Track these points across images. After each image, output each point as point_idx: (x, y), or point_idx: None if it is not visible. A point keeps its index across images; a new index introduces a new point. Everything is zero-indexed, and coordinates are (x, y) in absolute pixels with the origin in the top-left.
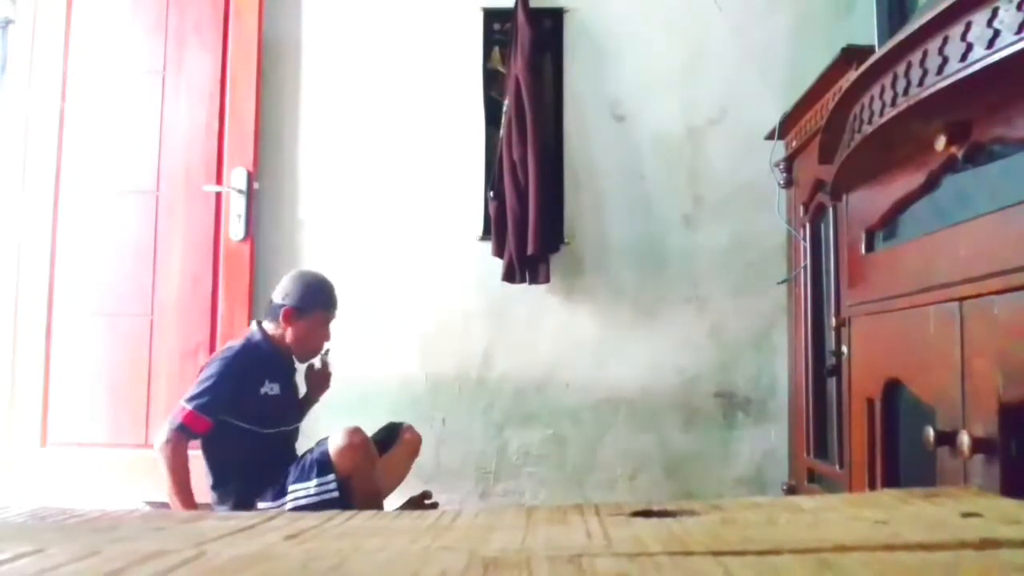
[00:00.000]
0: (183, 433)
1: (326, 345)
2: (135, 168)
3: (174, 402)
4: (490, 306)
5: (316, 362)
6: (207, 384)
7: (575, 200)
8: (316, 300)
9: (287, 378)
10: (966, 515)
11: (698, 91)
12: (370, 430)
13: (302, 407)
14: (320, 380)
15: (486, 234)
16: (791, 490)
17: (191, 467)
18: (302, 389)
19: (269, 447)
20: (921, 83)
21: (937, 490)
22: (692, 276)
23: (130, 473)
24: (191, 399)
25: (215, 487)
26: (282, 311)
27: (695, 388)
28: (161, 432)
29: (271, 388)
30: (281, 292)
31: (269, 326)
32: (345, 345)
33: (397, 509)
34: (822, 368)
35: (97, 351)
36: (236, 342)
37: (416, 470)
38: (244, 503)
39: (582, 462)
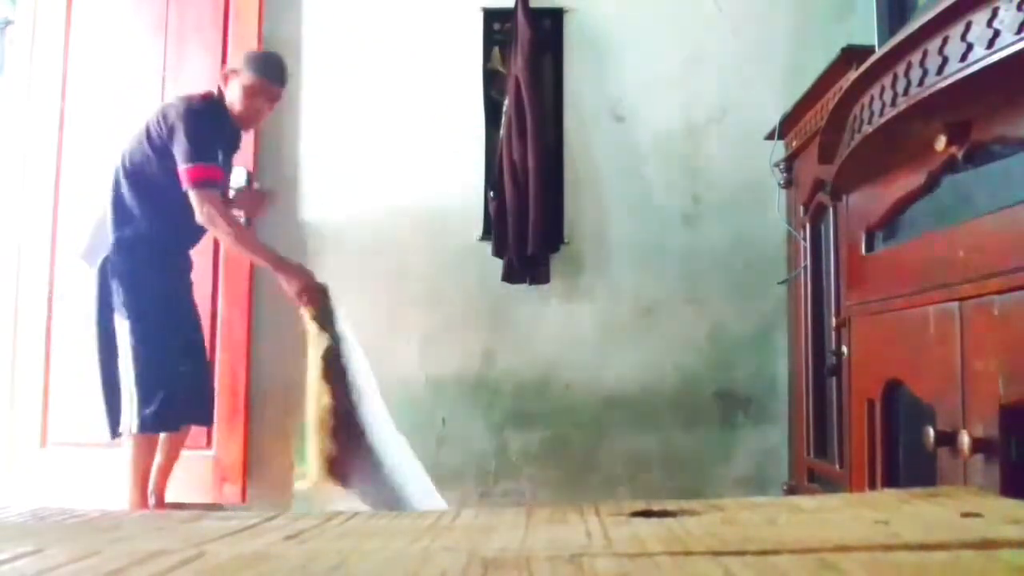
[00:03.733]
0: (207, 188)
1: (244, 173)
2: None
3: None
4: (490, 306)
5: (241, 181)
6: (192, 141)
7: (575, 200)
8: (252, 63)
9: (231, 146)
10: (966, 515)
11: (698, 91)
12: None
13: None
14: (251, 201)
15: (486, 234)
16: (791, 490)
17: None
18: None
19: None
20: (921, 83)
21: (937, 490)
22: (692, 276)
23: None
24: (188, 159)
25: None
26: (222, 72)
27: (695, 388)
28: (195, 209)
29: (221, 150)
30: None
31: (223, 87)
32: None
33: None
34: (822, 368)
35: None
36: (195, 97)
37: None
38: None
39: (582, 462)
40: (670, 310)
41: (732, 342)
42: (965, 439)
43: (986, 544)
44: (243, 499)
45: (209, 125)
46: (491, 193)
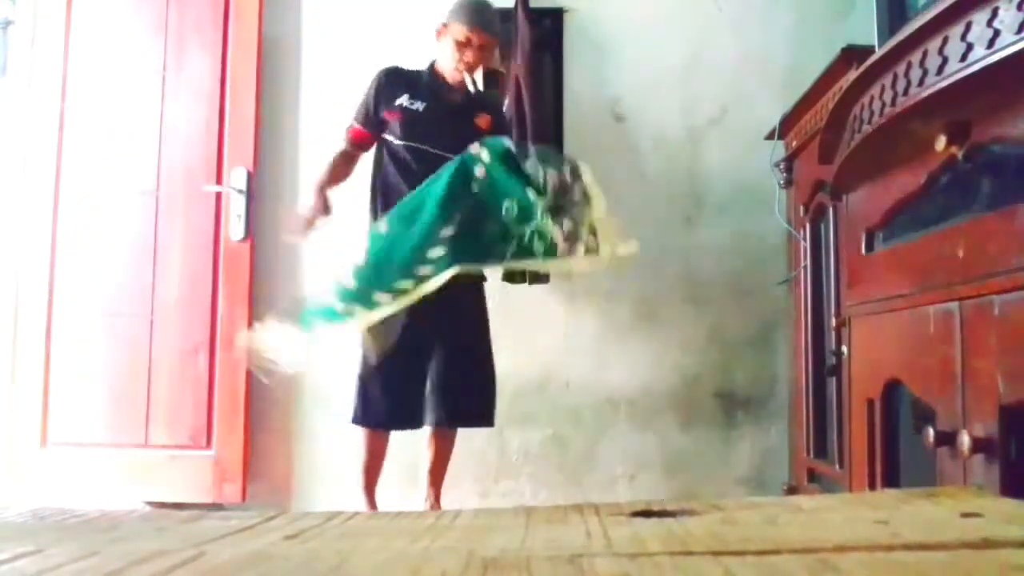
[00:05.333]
0: (345, 143)
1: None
2: (135, 168)
3: (174, 402)
4: (490, 306)
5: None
6: (358, 103)
7: None
8: (456, 12)
9: (441, 103)
10: (966, 515)
11: (698, 91)
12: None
13: (468, 140)
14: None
15: None
16: (791, 490)
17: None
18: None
19: (408, 162)
20: (921, 83)
21: (937, 490)
22: (692, 276)
23: (130, 473)
24: (352, 119)
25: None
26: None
27: (695, 388)
28: None
29: (411, 103)
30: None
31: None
32: (345, 345)
33: None
34: (822, 368)
35: (97, 351)
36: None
37: (416, 469)
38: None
39: (582, 462)
40: (670, 310)
41: (732, 342)
42: (965, 439)
43: (986, 544)
44: (243, 499)
45: (384, 82)
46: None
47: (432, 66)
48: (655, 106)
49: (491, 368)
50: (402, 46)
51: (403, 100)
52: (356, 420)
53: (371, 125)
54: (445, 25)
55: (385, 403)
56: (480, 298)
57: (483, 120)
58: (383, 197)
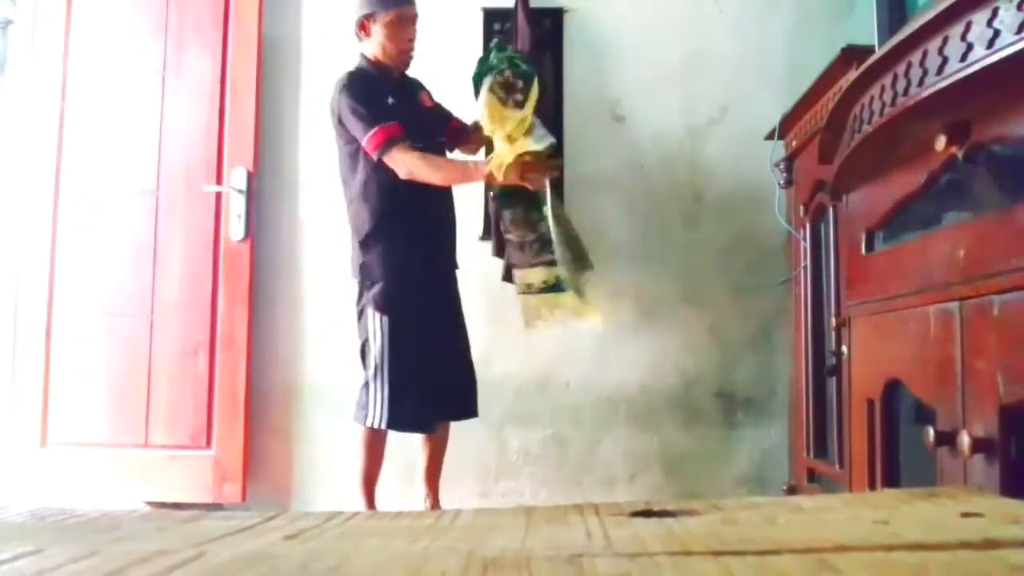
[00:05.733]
0: (395, 142)
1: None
2: (135, 168)
3: (174, 402)
4: (490, 306)
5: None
6: (361, 112)
7: (575, 199)
8: (370, 1)
9: (405, 94)
10: (966, 515)
11: (698, 91)
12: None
13: (434, 120)
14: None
15: (486, 234)
16: (791, 490)
17: None
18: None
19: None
20: (921, 83)
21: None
22: (692, 276)
23: (130, 473)
24: (367, 127)
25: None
26: (357, 26)
27: (695, 388)
28: (392, 166)
29: (394, 102)
30: (354, 8)
31: (363, 48)
32: (345, 345)
33: None
34: (822, 368)
35: (97, 351)
36: (343, 75)
37: (415, 469)
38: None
39: (582, 462)
40: (670, 310)
41: (732, 342)
42: (965, 439)
43: (986, 544)
44: (243, 499)
45: (369, 86)
46: (491, 193)
47: (370, 62)
48: (655, 106)
49: (471, 357)
50: None
51: (391, 100)
52: (393, 424)
53: (393, 116)
54: (368, 17)
55: (428, 403)
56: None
57: (425, 97)
58: (385, 198)
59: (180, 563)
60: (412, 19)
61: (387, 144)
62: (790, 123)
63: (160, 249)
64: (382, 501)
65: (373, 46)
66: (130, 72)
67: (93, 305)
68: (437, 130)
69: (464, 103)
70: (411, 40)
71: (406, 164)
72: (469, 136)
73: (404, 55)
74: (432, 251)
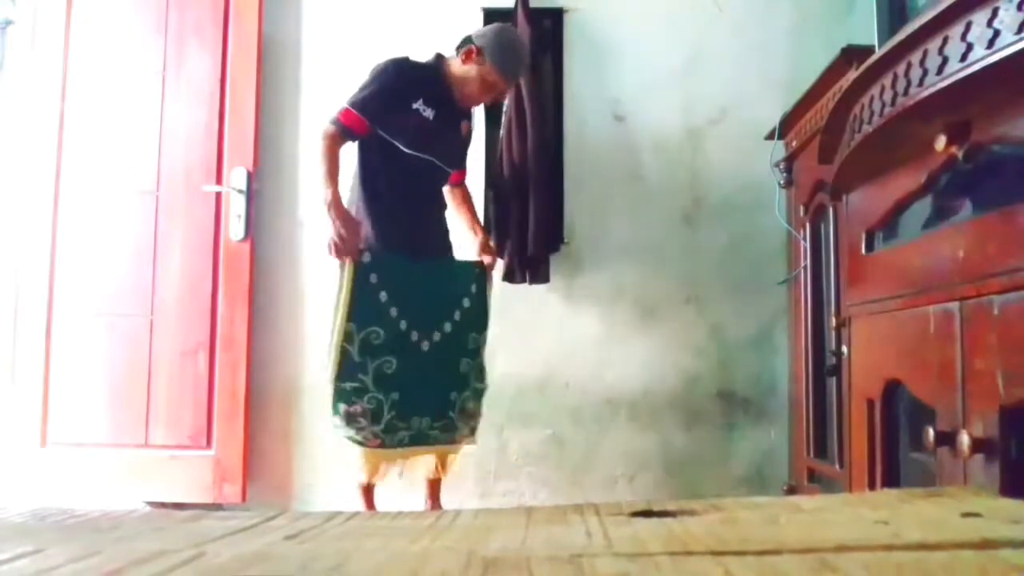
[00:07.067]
0: (338, 129)
1: None
2: (135, 168)
3: (174, 402)
4: (491, 306)
5: None
6: (366, 89)
7: (575, 200)
8: (499, 56)
9: (446, 110)
10: (966, 515)
11: (698, 91)
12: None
13: (458, 151)
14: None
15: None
16: (791, 490)
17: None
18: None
19: (409, 171)
20: (921, 83)
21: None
22: (692, 276)
23: (130, 473)
24: (350, 100)
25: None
26: (468, 46)
27: (695, 388)
28: (322, 128)
29: (423, 109)
30: (481, 32)
31: (453, 55)
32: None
33: None
34: (822, 368)
35: (97, 351)
36: (400, 56)
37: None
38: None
39: (582, 462)
40: (670, 310)
41: (732, 342)
42: (965, 439)
43: (986, 544)
44: (243, 499)
45: (403, 78)
46: (491, 193)
47: (443, 69)
48: (655, 106)
49: None
50: (402, 46)
51: (418, 104)
52: None
53: (377, 120)
54: (478, 53)
55: None
56: None
57: (465, 127)
58: (377, 204)
59: (180, 563)
60: (503, 93)
61: (338, 124)
62: (790, 123)
63: (160, 249)
64: (383, 501)
65: (461, 70)
66: (130, 72)
67: (93, 305)
68: (448, 159)
69: None
70: (487, 101)
71: (321, 144)
72: (469, 217)
73: (471, 102)
74: (415, 238)
